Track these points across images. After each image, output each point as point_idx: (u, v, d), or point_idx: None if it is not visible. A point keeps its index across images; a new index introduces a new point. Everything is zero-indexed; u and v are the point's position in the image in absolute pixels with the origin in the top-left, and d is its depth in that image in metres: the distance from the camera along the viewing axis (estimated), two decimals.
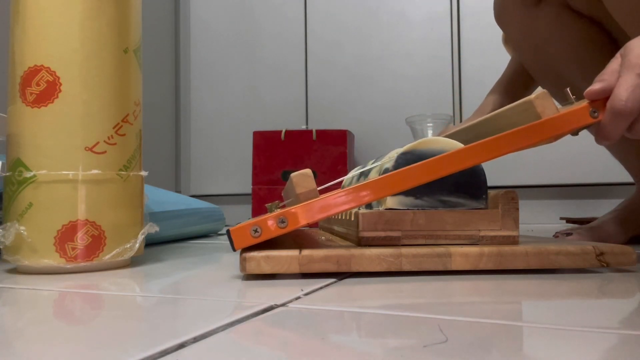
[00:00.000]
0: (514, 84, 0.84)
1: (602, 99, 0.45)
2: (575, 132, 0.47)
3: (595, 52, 0.70)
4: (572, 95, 0.48)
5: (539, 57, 0.75)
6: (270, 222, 0.44)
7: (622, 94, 0.42)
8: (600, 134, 0.45)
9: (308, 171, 0.46)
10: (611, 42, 0.70)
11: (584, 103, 0.45)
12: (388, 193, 0.45)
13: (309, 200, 0.44)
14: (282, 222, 0.44)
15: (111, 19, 0.54)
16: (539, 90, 0.49)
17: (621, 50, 0.45)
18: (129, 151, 0.55)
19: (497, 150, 0.45)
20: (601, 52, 0.70)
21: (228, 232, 0.44)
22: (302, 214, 0.44)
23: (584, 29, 0.70)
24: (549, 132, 0.45)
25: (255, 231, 0.44)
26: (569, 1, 0.69)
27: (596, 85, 0.45)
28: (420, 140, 0.50)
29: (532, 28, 0.73)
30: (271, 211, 0.51)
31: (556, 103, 0.48)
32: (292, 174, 0.46)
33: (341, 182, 0.61)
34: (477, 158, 0.45)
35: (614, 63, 0.45)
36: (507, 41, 0.89)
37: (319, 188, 0.47)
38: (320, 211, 0.44)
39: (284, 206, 0.51)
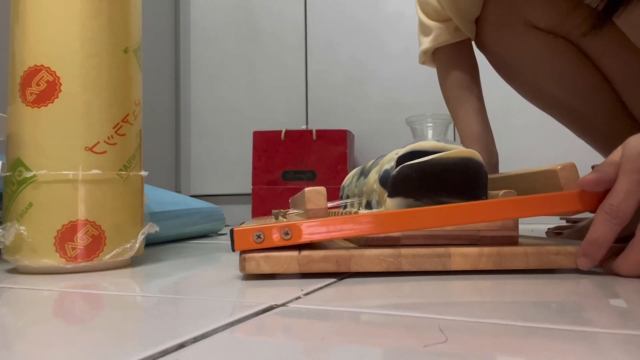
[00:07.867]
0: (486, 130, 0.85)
1: None
2: (593, 210, 0.45)
3: (566, 63, 0.74)
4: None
5: (522, 79, 0.78)
6: (274, 233, 0.44)
7: (614, 199, 0.42)
8: (589, 236, 0.43)
9: (322, 189, 0.47)
10: (578, 51, 0.74)
11: None
12: (400, 229, 0.45)
13: (316, 219, 0.45)
14: (287, 234, 0.44)
15: (111, 19, 0.54)
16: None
17: (624, 143, 0.44)
18: (129, 151, 0.55)
19: (506, 212, 0.45)
20: (571, 61, 0.74)
21: (231, 231, 0.44)
22: (307, 231, 0.44)
23: (552, 44, 0.74)
24: (566, 207, 0.45)
25: (258, 237, 0.44)
26: (532, 22, 0.73)
27: (591, 175, 0.43)
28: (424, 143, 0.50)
29: (511, 51, 0.76)
30: (277, 218, 0.51)
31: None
32: (307, 189, 0.47)
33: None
34: (493, 215, 0.45)
35: (615, 155, 0.44)
36: (426, 59, 0.91)
37: (329, 205, 0.47)
38: (327, 233, 0.44)
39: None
